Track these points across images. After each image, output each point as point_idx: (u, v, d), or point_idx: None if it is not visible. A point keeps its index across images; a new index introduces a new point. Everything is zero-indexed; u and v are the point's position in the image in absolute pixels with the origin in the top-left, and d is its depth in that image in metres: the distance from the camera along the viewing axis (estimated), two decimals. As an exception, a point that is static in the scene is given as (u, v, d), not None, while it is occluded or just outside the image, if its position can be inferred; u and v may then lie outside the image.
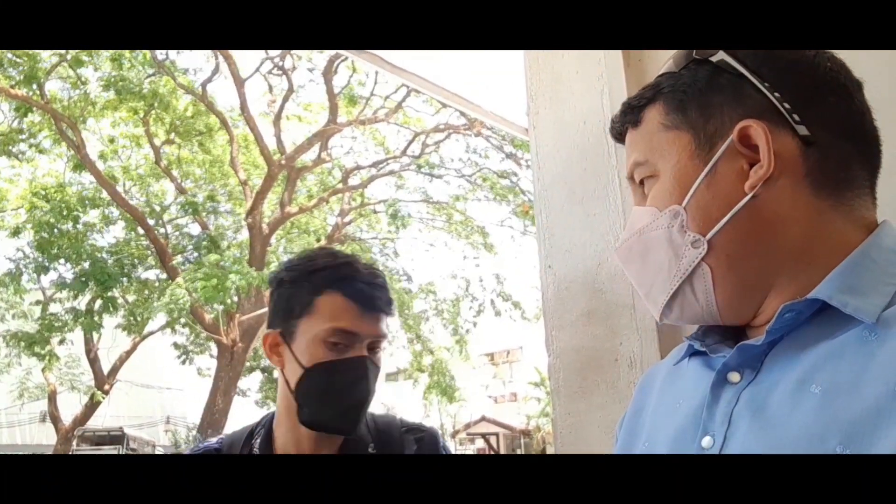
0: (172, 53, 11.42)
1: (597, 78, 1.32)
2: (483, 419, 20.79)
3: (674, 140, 0.65)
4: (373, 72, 10.90)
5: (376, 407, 1.14)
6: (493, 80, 2.39)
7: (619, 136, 0.75)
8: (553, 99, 1.41)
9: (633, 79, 1.27)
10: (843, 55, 0.65)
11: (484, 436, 20.53)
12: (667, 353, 0.82)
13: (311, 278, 1.09)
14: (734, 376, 0.60)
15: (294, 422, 1.08)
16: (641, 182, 0.69)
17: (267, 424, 1.14)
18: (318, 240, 13.01)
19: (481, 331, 14.40)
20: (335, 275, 1.09)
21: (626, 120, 0.71)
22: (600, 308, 1.24)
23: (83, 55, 10.63)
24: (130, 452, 14.01)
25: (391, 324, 1.14)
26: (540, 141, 1.41)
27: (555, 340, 1.30)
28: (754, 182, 0.61)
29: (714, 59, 0.65)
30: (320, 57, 11.54)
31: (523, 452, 19.02)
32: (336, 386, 1.05)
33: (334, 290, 1.07)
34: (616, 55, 1.29)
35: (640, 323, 1.17)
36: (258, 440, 1.12)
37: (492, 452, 19.33)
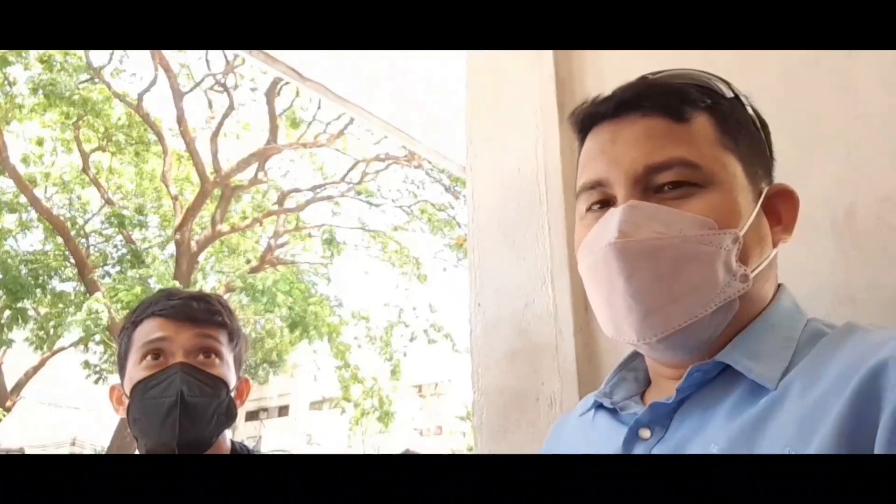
0: (115, 59, 11.05)
1: (532, 127, 1.37)
2: (407, 452, 20.53)
3: (729, 163, 0.63)
4: (316, 98, 10.85)
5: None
6: (434, 117, 2.44)
7: (619, 106, 0.66)
8: (491, 142, 1.46)
9: (567, 132, 1.33)
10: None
11: (407, 468, 20.19)
12: (586, 394, 0.85)
13: (130, 318, 1.10)
14: (645, 433, 0.62)
15: None
16: (672, 183, 0.62)
17: None
18: (249, 261, 12.70)
19: (410, 361, 14.30)
20: (147, 303, 1.10)
21: (666, 107, 0.64)
22: (525, 348, 1.27)
23: (10, 55, 10.16)
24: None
25: (228, 335, 1.10)
26: (476, 181, 1.45)
27: (480, 378, 1.33)
28: (776, 240, 0.66)
29: (747, 104, 0.67)
30: (264, 78, 11.42)
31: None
32: (150, 402, 1.01)
33: (146, 317, 1.08)
34: (552, 106, 1.35)
35: (561, 364, 1.21)
36: None
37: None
